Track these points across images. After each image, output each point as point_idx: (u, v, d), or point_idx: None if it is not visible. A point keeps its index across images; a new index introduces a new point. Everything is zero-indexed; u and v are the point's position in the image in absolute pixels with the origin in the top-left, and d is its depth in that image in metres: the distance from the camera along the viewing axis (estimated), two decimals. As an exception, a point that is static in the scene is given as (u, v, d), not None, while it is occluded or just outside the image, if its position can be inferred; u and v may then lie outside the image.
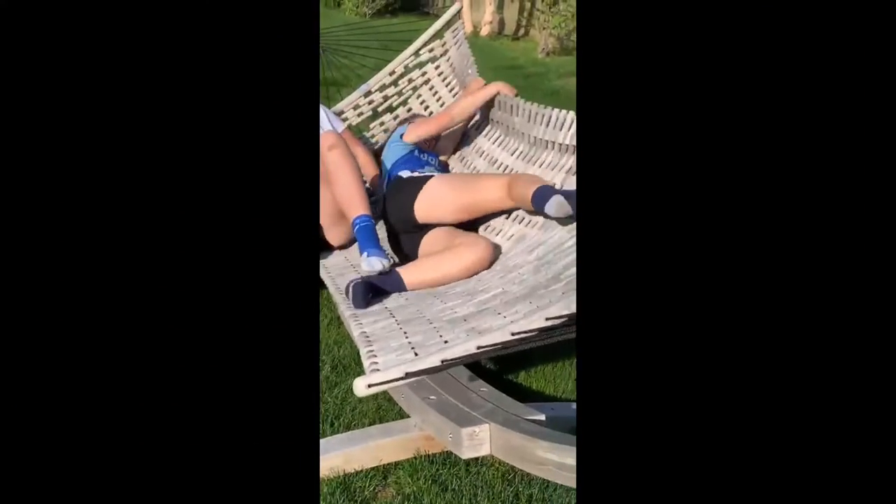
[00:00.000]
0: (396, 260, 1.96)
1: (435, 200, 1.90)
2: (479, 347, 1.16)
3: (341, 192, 1.84)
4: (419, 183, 1.94)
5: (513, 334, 1.17)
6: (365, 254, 1.73)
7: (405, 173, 2.04)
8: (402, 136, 2.21)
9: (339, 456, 1.60)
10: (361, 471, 1.60)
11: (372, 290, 1.64)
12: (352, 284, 1.61)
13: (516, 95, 2.23)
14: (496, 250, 1.80)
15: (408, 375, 1.12)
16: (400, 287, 1.70)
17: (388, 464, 1.63)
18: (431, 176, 1.99)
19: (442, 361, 1.15)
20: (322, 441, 1.67)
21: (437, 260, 1.74)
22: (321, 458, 1.58)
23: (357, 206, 1.79)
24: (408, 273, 1.70)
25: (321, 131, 2.41)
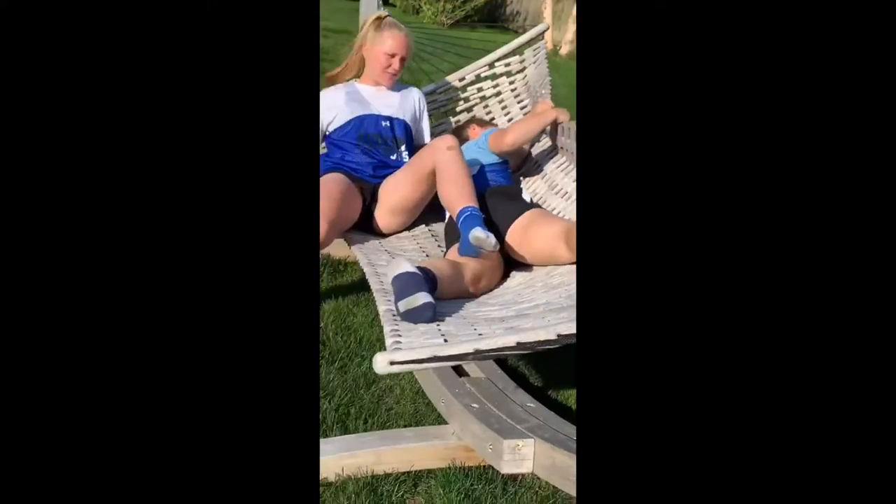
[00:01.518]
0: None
1: (527, 232, 1.86)
2: (518, 343, 1.07)
3: (455, 187, 1.95)
4: (524, 207, 1.93)
5: (559, 335, 1.07)
6: (479, 227, 1.75)
7: (527, 196, 2.04)
8: (487, 142, 2.20)
9: (369, 454, 1.50)
10: (391, 474, 1.50)
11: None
12: (424, 303, 1.39)
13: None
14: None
15: (436, 359, 1.03)
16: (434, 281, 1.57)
17: (420, 470, 1.52)
18: (534, 207, 1.98)
19: (475, 350, 1.06)
20: (353, 437, 1.58)
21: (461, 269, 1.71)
22: (349, 454, 1.50)
23: (468, 199, 1.90)
24: (434, 267, 1.58)
25: (424, 140, 2.48)
